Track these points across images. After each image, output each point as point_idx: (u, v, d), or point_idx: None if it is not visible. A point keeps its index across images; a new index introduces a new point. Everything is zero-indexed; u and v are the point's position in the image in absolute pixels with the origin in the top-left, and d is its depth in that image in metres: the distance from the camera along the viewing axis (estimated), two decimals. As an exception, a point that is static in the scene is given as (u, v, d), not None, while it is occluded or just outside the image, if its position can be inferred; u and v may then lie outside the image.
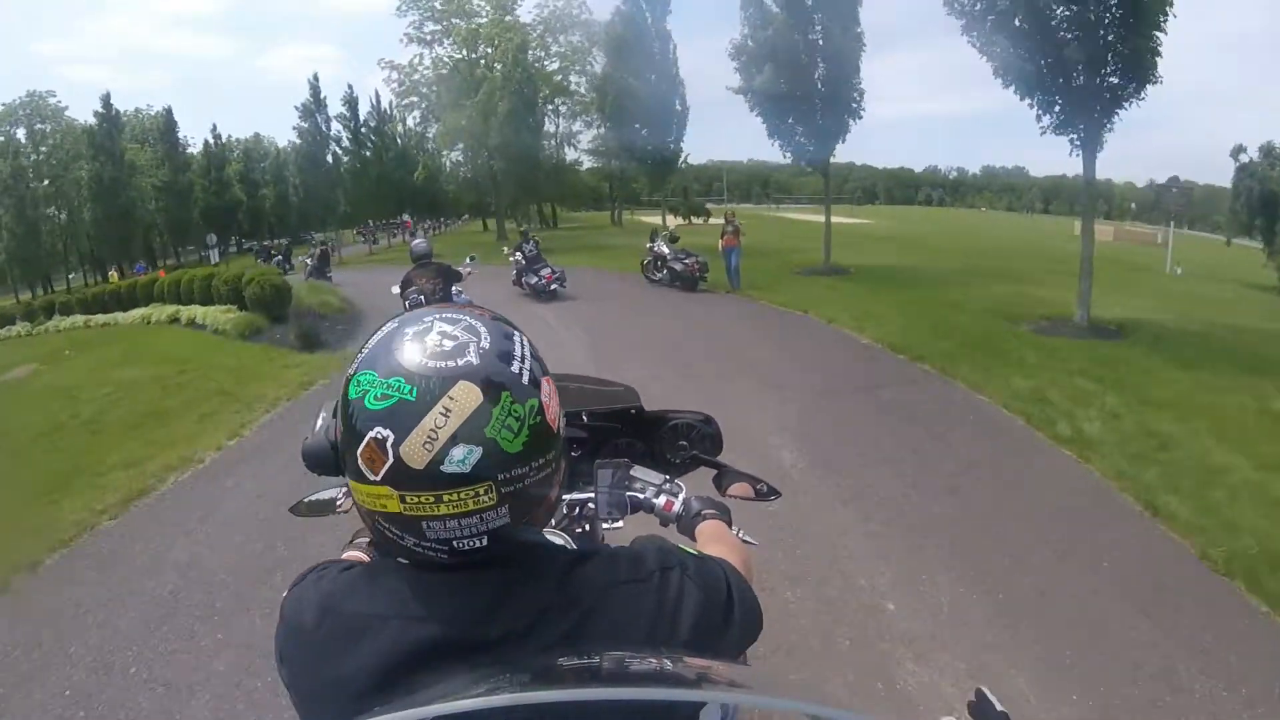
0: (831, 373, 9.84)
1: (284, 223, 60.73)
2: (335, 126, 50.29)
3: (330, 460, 1.00)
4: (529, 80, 38.29)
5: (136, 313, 21.37)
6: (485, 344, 0.92)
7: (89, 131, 48.03)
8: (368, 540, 1.38)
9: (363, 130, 51.11)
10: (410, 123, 51.97)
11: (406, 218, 51.34)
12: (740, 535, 1.53)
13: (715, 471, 1.83)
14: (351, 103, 50.02)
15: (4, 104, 51.88)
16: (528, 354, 0.96)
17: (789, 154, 19.81)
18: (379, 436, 0.88)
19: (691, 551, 1.14)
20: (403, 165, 51.10)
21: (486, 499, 0.89)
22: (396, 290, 9.75)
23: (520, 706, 0.67)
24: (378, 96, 53.31)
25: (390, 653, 0.89)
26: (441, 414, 0.87)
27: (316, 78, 49.76)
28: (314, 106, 48.54)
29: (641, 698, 0.73)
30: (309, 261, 28.87)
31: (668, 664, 0.86)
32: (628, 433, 1.92)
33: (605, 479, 1.54)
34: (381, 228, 48.89)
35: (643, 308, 15.82)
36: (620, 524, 1.59)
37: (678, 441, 1.90)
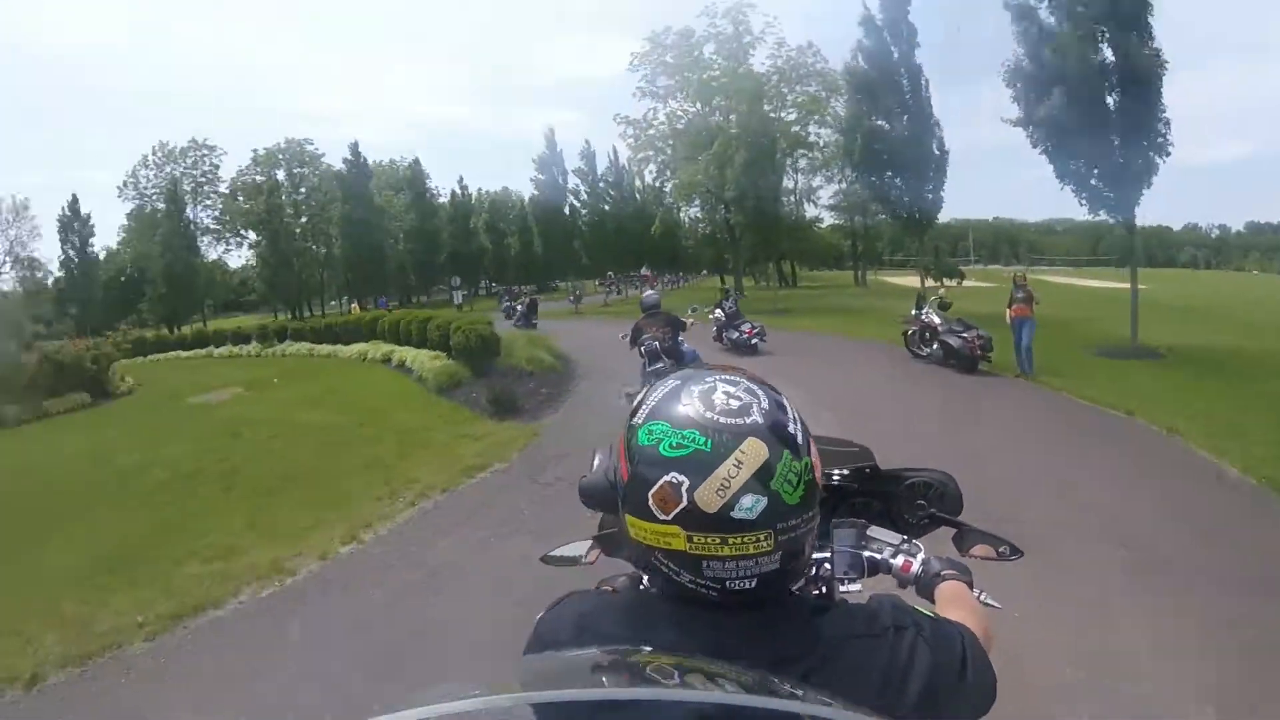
0: (1222, 549, 5.52)
1: (529, 271, 62.44)
2: (574, 180, 51.63)
3: (609, 498, 1.08)
4: (765, 131, 35.84)
5: (356, 348, 21.61)
6: (765, 405, 1.00)
7: (340, 176, 52.40)
8: (610, 589, 1.42)
9: (600, 185, 51.88)
10: (647, 177, 51.51)
11: (646, 271, 50.73)
12: (982, 598, 1.48)
13: (955, 531, 1.72)
14: (588, 157, 51.35)
15: (266, 148, 58.49)
16: (797, 416, 1.02)
17: (1084, 201, 16.09)
18: (674, 481, 0.95)
19: (928, 613, 1.12)
20: (641, 219, 50.62)
21: (765, 544, 0.96)
22: (623, 336, 10.65)
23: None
24: (615, 152, 52.94)
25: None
26: (734, 465, 0.94)
27: (552, 131, 52.39)
28: (550, 158, 49.96)
29: (643, 698, 0.75)
30: (518, 308, 29.51)
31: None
32: (863, 492, 1.78)
33: (842, 539, 1.51)
34: (624, 280, 48.80)
35: (915, 394, 12.61)
36: (858, 586, 1.48)
37: (915, 501, 1.75)
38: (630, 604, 1.13)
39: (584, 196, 50.74)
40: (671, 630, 0.99)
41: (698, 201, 43.39)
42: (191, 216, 57.32)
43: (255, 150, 59.88)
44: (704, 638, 0.97)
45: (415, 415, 12.31)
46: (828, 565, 1.49)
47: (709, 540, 0.95)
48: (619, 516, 1.05)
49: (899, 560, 1.50)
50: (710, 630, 0.98)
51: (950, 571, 1.47)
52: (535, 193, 51.24)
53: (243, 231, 58.80)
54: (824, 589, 1.49)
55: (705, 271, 66.98)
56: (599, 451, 1.27)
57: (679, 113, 42.06)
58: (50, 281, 53.72)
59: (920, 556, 1.51)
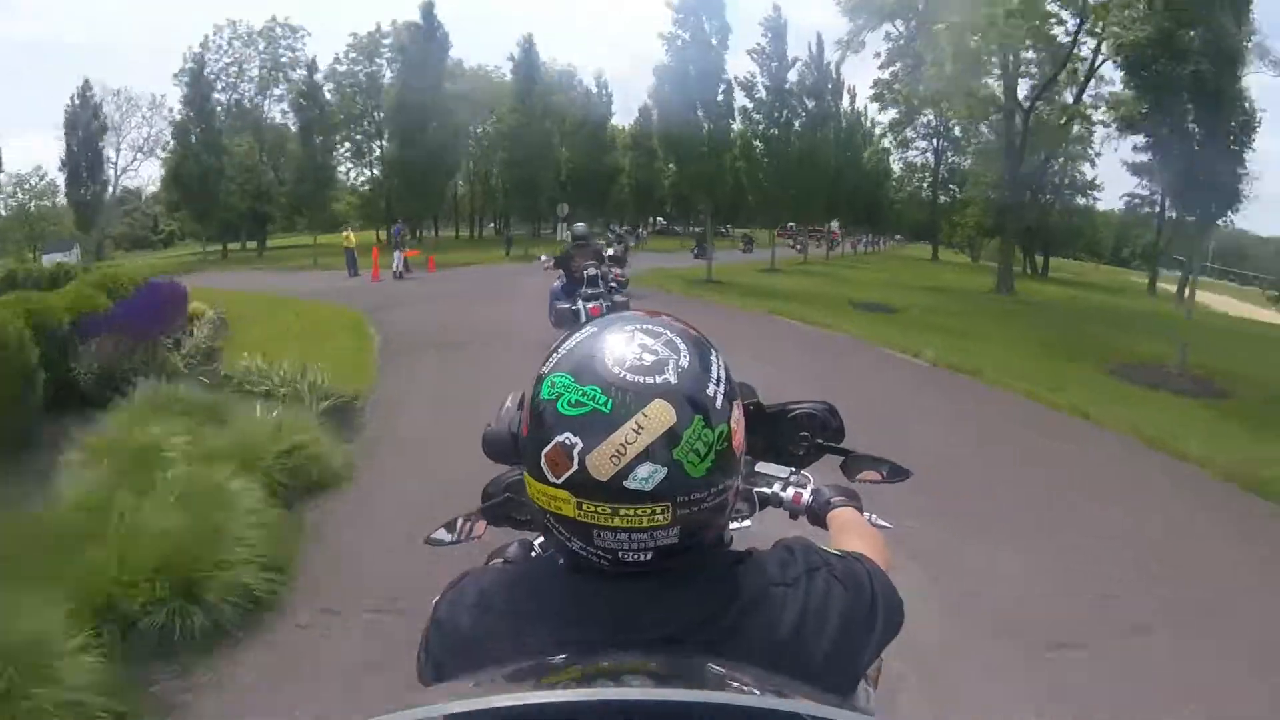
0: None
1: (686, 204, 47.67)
2: (748, 67, 28.38)
3: (510, 451, 1.08)
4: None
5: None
6: (684, 362, 0.90)
7: (402, 49, 36.40)
8: (501, 561, 1.44)
9: (789, 82, 29.62)
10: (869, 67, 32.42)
11: (835, 226, 39.59)
12: (873, 520, 1.53)
13: (842, 459, 1.70)
14: (775, 32, 25.48)
15: (369, 32, 45.55)
16: (723, 376, 0.94)
17: None
18: (567, 442, 0.87)
19: (835, 551, 1.09)
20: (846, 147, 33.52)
21: (661, 518, 0.88)
22: (544, 260, 11.44)
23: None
24: (818, 43, 29.74)
25: (544, 654, 0.88)
26: (634, 430, 0.85)
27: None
28: (698, 5, 22.68)
29: (643, 698, 0.72)
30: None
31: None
32: (747, 429, 1.36)
33: None
34: (812, 234, 36.67)
35: None
36: (749, 522, 1.55)
37: (799, 433, 1.69)
38: (526, 575, 1.07)
39: (760, 94, 25.77)
40: (571, 600, 0.94)
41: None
42: (265, 108, 44.91)
43: (354, 35, 46.26)
44: (612, 607, 0.92)
45: None
46: None
47: (599, 510, 0.87)
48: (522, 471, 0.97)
49: (789, 492, 1.53)
50: (618, 597, 0.92)
51: (840, 498, 1.50)
52: (667, 61, 23.18)
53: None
54: None
55: (899, 237, 54.75)
56: (511, 397, 1.19)
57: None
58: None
59: (810, 486, 1.54)
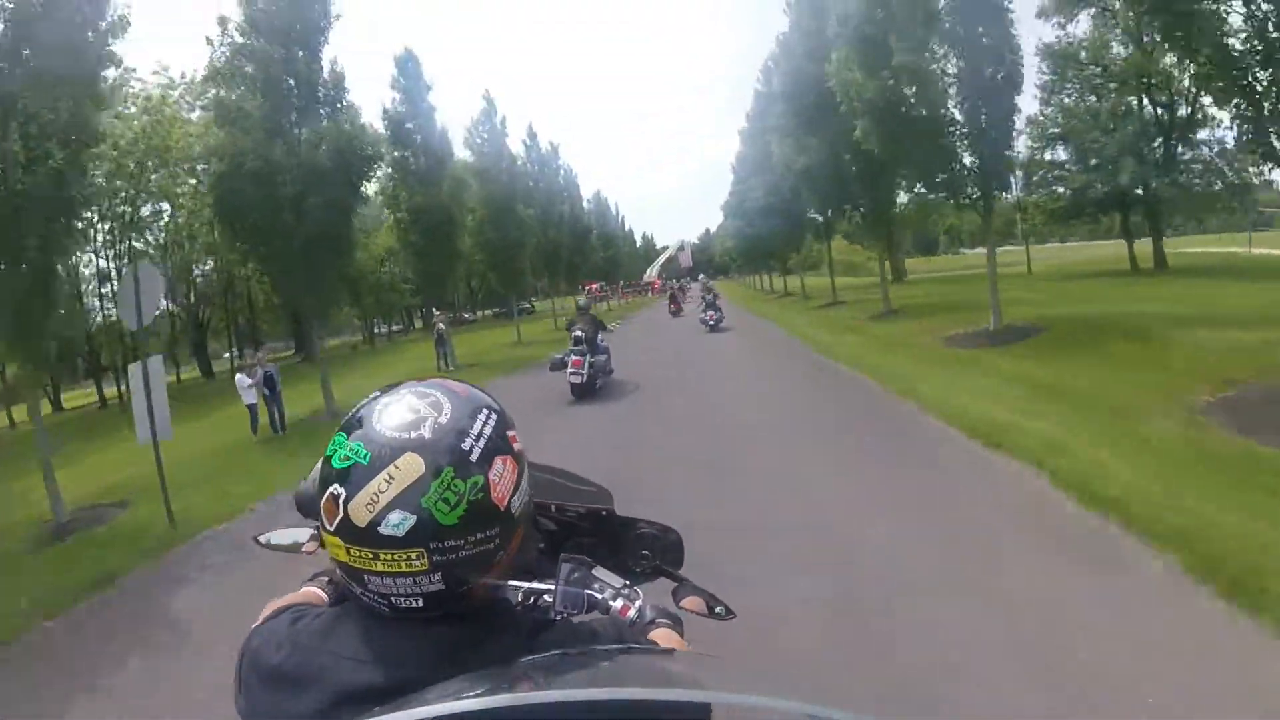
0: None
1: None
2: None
3: (315, 506, 1.09)
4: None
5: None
6: (444, 419, 0.96)
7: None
8: (326, 579, 1.43)
9: None
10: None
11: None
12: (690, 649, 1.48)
13: (675, 584, 1.70)
14: None
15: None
16: (486, 432, 0.98)
17: None
18: (335, 492, 0.93)
19: (649, 642, 1.17)
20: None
21: (419, 564, 0.92)
22: (569, 327, 14.34)
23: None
24: None
25: (339, 693, 0.92)
26: (386, 480, 0.91)
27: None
28: None
29: (645, 698, 0.73)
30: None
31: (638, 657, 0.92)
32: (594, 533, 1.75)
33: (566, 573, 1.35)
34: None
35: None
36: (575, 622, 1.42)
37: (641, 550, 1.73)
38: (338, 623, 1.02)
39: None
40: (372, 648, 0.96)
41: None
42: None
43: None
44: (408, 652, 0.95)
45: None
46: (547, 597, 1.26)
47: (363, 554, 0.92)
48: None
49: (618, 603, 1.37)
50: (417, 642, 0.95)
51: (664, 620, 1.43)
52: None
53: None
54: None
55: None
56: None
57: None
58: None
59: (638, 603, 1.39)
